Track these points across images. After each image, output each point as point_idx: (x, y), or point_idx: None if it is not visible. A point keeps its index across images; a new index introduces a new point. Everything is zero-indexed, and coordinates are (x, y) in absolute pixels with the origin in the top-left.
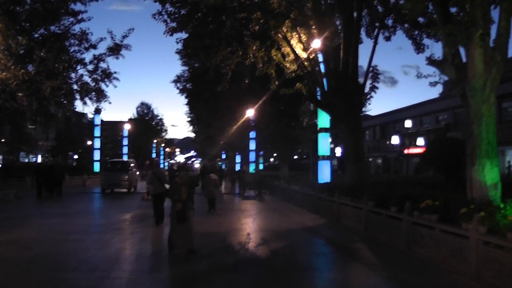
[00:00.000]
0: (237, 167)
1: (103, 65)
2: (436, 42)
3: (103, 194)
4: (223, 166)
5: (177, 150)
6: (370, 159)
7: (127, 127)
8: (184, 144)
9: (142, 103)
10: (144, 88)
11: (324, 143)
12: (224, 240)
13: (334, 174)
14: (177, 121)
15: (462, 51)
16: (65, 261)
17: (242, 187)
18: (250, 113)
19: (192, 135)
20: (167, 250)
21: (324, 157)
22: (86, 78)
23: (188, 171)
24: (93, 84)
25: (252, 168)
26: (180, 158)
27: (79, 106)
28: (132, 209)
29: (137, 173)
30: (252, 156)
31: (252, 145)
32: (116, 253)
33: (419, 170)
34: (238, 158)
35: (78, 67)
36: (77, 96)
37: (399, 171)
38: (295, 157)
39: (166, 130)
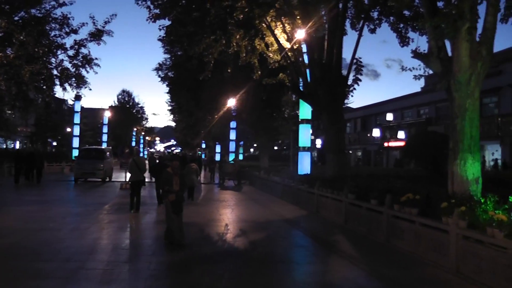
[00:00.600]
0: (217, 157)
1: (84, 50)
2: (421, 35)
3: (77, 183)
4: (203, 156)
5: (157, 138)
6: (351, 151)
7: (107, 114)
8: (165, 133)
9: (124, 91)
10: (126, 75)
11: (305, 134)
12: (202, 231)
13: (314, 165)
14: (158, 110)
15: (448, 45)
16: (40, 250)
17: (221, 177)
18: (232, 102)
19: (173, 124)
20: (163, 240)
21: (304, 148)
22: (67, 64)
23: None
24: (73, 70)
25: (231, 158)
26: (160, 147)
27: (59, 92)
28: (110, 198)
29: (114, 161)
30: (232, 146)
31: (233, 135)
32: (93, 243)
33: (400, 163)
34: (218, 148)
35: (59, 52)
36: (57, 82)
37: (379, 164)
38: (276, 148)
39: (146, 119)
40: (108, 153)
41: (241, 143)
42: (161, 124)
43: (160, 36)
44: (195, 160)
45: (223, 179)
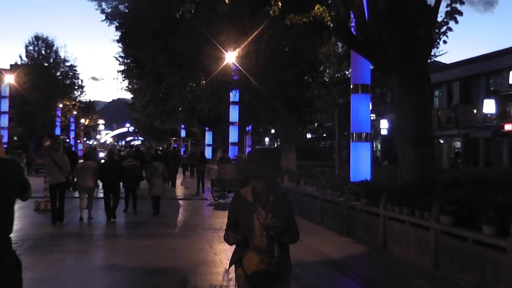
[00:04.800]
0: (208, 152)
1: None
2: None
3: None
4: (182, 150)
5: (101, 122)
6: (441, 141)
7: (8, 79)
8: (114, 113)
9: (38, 38)
10: (42, 11)
11: (362, 111)
12: (184, 285)
13: (377, 165)
14: (101, 72)
15: None
16: None
17: (216, 186)
18: (232, 58)
19: (128, 96)
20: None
21: (360, 137)
22: None
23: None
24: None
25: (232, 154)
26: (105, 136)
27: None
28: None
29: (23, 162)
30: (233, 134)
31: (234, 115)
32: None
33: None
34: (209, 137)
35: None
36: None
37: (495, 161)
38: (309, 136)
39: (81, 87)
40: None
41: (249, 128)
42: (107, 98)
43: None
44: (158, 157)
45: (219, 189)
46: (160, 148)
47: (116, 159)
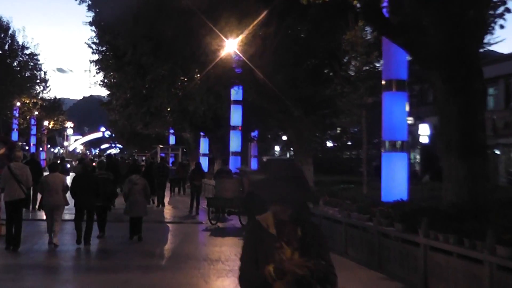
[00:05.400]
0: (205, 164)
1: None
2: None
3: None
4: (171, 161)
5: (69, 125)
6: (498, 151)
7: None
8: (86, 113)
9: None
10: None
11: (396, 114)
12: None
13: (415, 182)
14: (70, 62)
15: None
16: None
17: (213, 206)
18: (233, 46)
19: (103, 93)
20: None
21: (395, 145)
22: None
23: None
24: None
25: (234, 166)
26: (75, 143)
27: None
28: None
29: None
30: (235, 141)
31: (236, 117)
32: None
33: None
34: (204, 145)
35: None
36: None
37: None
38: (329, 144)
39: (45, 81)
40: None
41: (254, 134)
42: (76, 95)
43: None
44: (137, 169)
45: (217, 210)
46: (143, 158)
47: (90, 170)
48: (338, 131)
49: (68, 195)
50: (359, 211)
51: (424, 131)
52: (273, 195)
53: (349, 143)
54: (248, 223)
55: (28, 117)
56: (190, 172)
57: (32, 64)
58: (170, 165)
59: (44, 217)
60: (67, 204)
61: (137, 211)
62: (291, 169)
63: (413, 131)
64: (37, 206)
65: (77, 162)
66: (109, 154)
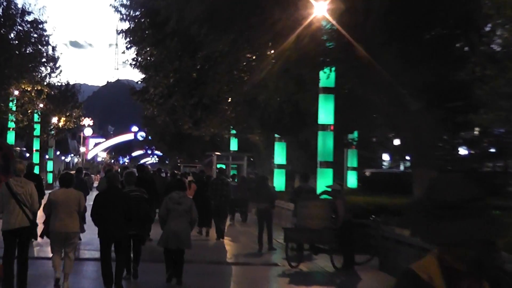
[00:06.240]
0: (278, 178)
1: None
2: None
3: None
4: (231, 175)
5: (87, 122)
6: None
7: None
8: (110, 106)
9: None
10: None
11: None
12: None
13: None
14: (88, 34)
15: None
16: None
17: (291, 238)
18: (322, 9)
19: (137, 76)
20: None
21: None
22: None
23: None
24: None
25: (322, 183)
26: (95, 149)
27: None
28: None
29: None
30: (324, 146)
31: (326, 113)
32: None
33: None
34: (280, 152)
35: None
36: None
37: None
38: (463, 151)
39: (54, 59)
40: None
41: (352, 137)
42: (97, 80)
43: None
44: (181, 184)
45: (298, 247)
46: (189, 171)
47: (119, 185)
48: (476, 132)
49: (88, 219)
50: None
51: None
52: (444, 234)
53: (492, 150)
54: (397, 276)
55: (29, 111)
56: (253, 189)
57: (35, 36)
58: (230, 179)
59: (50, 253)
60: (82, 231)
61: (177, 241)
62: (468, 190)
63: None
64: (39, 235)
65: (101, 174)
66: (142, 164)
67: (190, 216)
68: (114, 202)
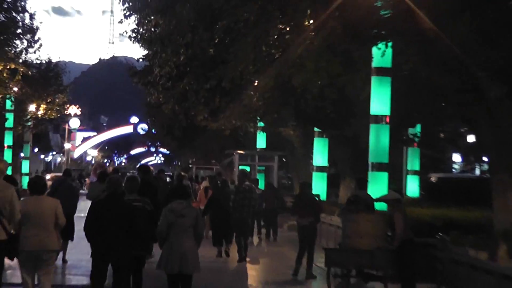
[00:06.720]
0: (319, 183)
1: None
2: None
3: None
4: (259, 178)
5: (74, 111)
6: None
7: None
8: (104, 89)
9: None
10: None
11: None
12: None
13: None
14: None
15: None
16: None
17: (333, 261)
18: None
19: (138, 53)
20: None
21: None
22: None
23: None
24: None
25: (376, 190)
26: (84, 145)
27: None
28: None
29: None
30: (378, 142)
31: (381, 101)
32: None
33: None
34: (321, 150)
35: None
36: None
37: None
38: None
39: (33, 31)
40: None
41: (414, 131)
42: (87, 57)
43: None
44: (184, 191)
45: (347, 272)
46: (204, 174)
47: (120, 193)
48: None
49: (76, 235)
50: None
51: None
52: None
53: None
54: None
55: (0, 96)
56: (294, 200)
57: (8, 0)
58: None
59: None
60: (60, 249)
61: (182, 264)
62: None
63: None
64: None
65: (90, 178)
66: (145, 165)
67: (196, 230)
68: (115, 214)
